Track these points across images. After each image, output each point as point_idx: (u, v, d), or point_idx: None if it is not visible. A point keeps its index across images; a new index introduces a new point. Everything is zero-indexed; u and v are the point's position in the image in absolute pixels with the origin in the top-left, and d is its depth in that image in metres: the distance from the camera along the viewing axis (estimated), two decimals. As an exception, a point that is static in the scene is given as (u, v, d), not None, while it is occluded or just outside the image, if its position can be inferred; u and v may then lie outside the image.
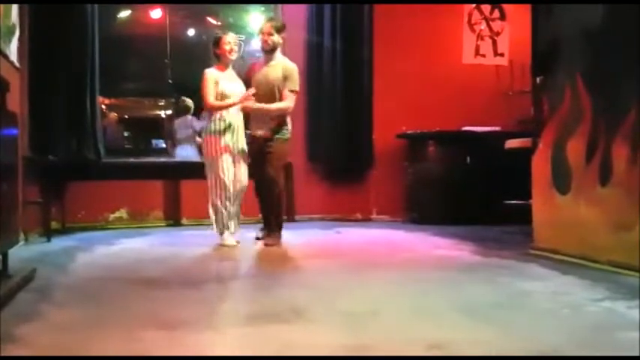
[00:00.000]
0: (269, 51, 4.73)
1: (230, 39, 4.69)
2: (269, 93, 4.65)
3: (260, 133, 4.68)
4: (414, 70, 6.63)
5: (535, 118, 4.30)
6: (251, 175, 4.77)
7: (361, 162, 6.63)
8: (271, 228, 4.77)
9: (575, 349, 2.07)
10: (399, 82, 6.63)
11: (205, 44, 7.06)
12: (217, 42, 4.69)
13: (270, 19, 4.92)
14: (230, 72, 4.73)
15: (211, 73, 4.63)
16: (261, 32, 4.75)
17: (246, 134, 4.84)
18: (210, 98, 4.58)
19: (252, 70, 4.87)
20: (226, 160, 4.57)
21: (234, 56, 4.70)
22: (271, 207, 4.75)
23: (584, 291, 2.96)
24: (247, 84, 4.75)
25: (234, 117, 4.65)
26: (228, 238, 4.64)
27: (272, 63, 4.72)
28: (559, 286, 3.10)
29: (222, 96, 4.59)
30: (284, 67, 4.69)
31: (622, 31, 3.45)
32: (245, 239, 4.88)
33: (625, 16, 3.43)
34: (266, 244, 4.68)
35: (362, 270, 3.70)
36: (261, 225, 4.94)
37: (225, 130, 4.59)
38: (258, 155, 4.71)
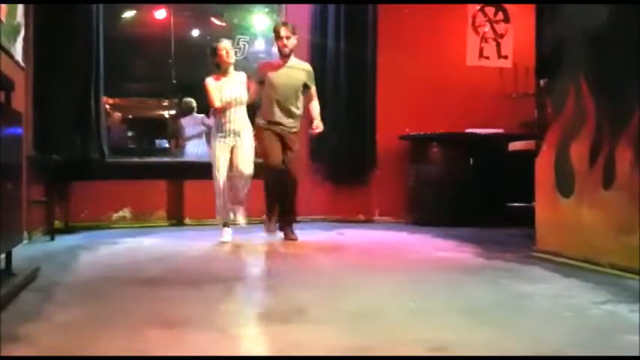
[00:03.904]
0: (288, 54, 4.90)
1: (225, 45, 4.87)
2: (293, 93, 4.91)
3: (284, 129, 4.89)
4: (417, 71, 6.63)
5: (539, 121, 4.30)
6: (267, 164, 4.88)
7: (364, 163, 6.64)
8: (290, 223, 5.00)
9: (577, 351, 2.07)
10: (403, 83, 6.64)
11: (209, 50, 7.09)
12: (214, 51, 4.88)
13: (284, 23, 5.09)
14: (229, 78, 4.87)
15: (210, 81, 4.85)
16: (279, 36, 4.89)
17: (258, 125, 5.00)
18: (217, 103, 4.81)
19: (266, 68, 4.99)
20: (222, 159, 4.80)
21: (231, 60, 4.87)
22: (293, 204, 5.02)
23: (587, 294, 2.96)
24: (262, 82, 4.93)
25: (235, 122, 4.82)
26: (225, 235, 4.82)
27: (290, 64, 4.94)
28: (561, 289, 3.10)
29: (223, 105, 4.75)
30: (306, 69, 5.02)
31: (626, 34, 3.45)
32: (248, 238, 4.90)
33: (629, 18, 3.43)
34: (292, 239, 4.90)
35: (364, 271, 3.71)
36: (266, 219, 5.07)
37: (227, 134, 4.80)
38: (279, 144, 4.88)
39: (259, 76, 4.94)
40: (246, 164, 4.82)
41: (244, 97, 4.86)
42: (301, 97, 4.97)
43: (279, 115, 4.86)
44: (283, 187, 4.90)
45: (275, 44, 5.03)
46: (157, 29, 7.38)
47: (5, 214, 2.92)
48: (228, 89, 4.81)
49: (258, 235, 5.03)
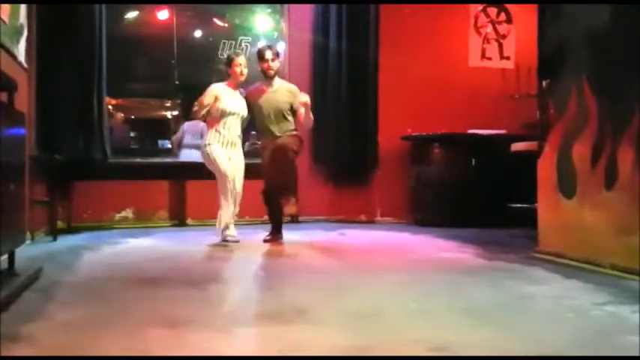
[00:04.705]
0: (272, 76, 4.93)
1: (241, 61, 4.90)
2: (279, 115, 4.91)
3: (281, 141, 4.87)
4: (419, 71, 6.63)
5: (541, 122, 4.30)
6: (270, 176, 4.88)
7: (366, 164, 6.64)
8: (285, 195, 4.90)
9: (578, 352, 2.07)
10: (405, 83, 6.64)
11: (212, 46, 7.10)
12: (230, 62, 4.92)
13: (268, 47, 5.05)
14: (235, 92, 4.93)
15: (214, 89, 4.84)
16: (264, 59, 4.91)
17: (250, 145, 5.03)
18: (200, 112, 4.81)
19: (253, 96, 4.99)
20: (225, 159, 4.74)
21: (242, 78, 4.91)
22: (292, 183, 4.89)
23: (588, 295, 2.96)
24: (248, 107, 4.95)
25: (232, 133, 4.83)
26: (232, 234, 4.81)
27: (275, 87, 4.97)
28: (563, 290, 3.10)
29: (222, 113, 4.76)
30: (289, 90, 5.01)
31: (627, 34, 3.45)
32: (249, 239, 4.91)
33: (630, 18, 3.43)
34: (291, 215, 5.05)
35: (366, 271, 3.71)
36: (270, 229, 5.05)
37: (224, 142, 4.80)
38: (274, 153, 4.86)
39: (247, 104, 4.95)
40: (240, 184, 4.85)
41: (244, 112, 4.90)
42: (290, 117, 4.94)
43: (270, 135, 4.91)
44: (278, 203, 4.89)
45: (259, 66, 4.98)
46: (160, 30, 7.39)
47: (8, 215, 2.93)
48: (232, 101, 4.85)
49: (259, 235, 5.03)
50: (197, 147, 6.90)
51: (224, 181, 4.69)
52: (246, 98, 4.96)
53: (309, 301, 2.81)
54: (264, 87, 4.98)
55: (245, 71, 4.89)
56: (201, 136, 6.86)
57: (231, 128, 4.83)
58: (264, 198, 4.92)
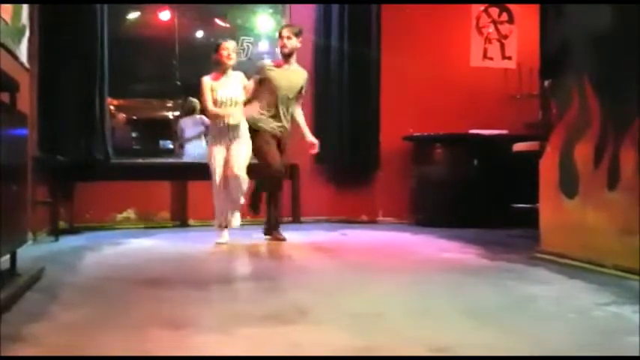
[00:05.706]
0: (287, 55, 4.95)
1: (228, 45, 4.86)
2: (292, 95, 4.97)
3: (282, 130, 4.96)
4: (421, 72, 6.63)
5: (543, 122, 4.30)
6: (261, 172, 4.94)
7: (367, 164, 6.64)
8: (277, 224, 5.05)
9: (580, 352, 2.06)
10: (407, 83, 6.63)
11: (213, 46, 7.08)
12: (217, 48, 4.88)
13: (288, 25, 5.17)
14: (227, 78, 4.84)
15: (207, 80, 4.83)
16: (280, 36, 4.97)
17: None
18: (209, 104, 4.81)
19: (269, 70, 4.96)
20: (218, 158, 4.76)
21: (231, 62, 4.84)
22: (278, 200, 5.06)
23: (591, 295, 2.95)
24: (262, 81, 4.91)
25: (235, 122, 4.80)
26: (221, 236, 4.82)
27: (292, 67, 5.00)
28: (565, 290, 3.09)
29: (216, 103, 4.74)
30: (305, 75, 5.10)
31: (629, 35, 3.44)
32: (250, 239, 4.91)
33: (632, 18, 3.42)
34: (281, 239, 4.95)
35: (367, 272, 3.71)
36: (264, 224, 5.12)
37: (223, 134, 4.77)
38: (276, 147, 4.94)
39: (260, 75, 4.93)
40: (240, 168, 4.74)
41: (240, 96, 4.82)
42: (295, 104, 5.03)
43: (277, 114, 4.89)
44: (278, 190, 5.01)
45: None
46: (161, 30, 7.40)
47: (10, 215, 2.93)
48: (224, 89, 4.78)
49: (261, 236, 5.04)
50: (199, 136, 6.95)
51: (214, 178, 4.77)
52: (262, 68, 4.95)
53: (309, 302, 2.81)
54: (282, 62, 4.99)
55: (233, 56, 4.83)
56: (201, 122, 6.89)
57: (231, 115, 4.77)
58: (255, 197, 5.02)
